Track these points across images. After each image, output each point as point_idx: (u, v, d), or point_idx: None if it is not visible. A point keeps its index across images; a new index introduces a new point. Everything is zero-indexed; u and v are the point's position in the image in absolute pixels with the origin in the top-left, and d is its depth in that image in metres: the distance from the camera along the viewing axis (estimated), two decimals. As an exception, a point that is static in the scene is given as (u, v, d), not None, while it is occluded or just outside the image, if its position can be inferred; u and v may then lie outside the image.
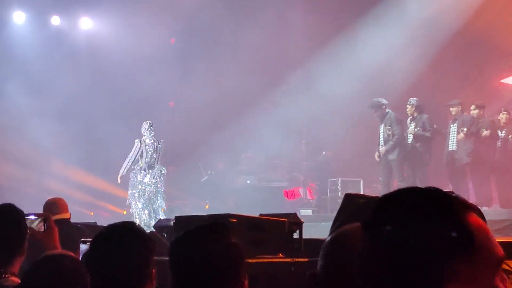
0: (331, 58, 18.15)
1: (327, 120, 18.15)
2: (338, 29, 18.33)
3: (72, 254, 3.54)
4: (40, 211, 7.66)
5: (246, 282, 2.78)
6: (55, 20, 20.26)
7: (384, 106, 14.95)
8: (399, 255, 1.54)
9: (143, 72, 19.92)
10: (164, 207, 15.15)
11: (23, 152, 18.36)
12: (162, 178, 15.08)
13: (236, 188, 18.52)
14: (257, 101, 19.83)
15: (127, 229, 3.11)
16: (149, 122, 15.18)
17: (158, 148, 15.06)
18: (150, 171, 14.87)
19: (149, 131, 15.08)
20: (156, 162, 14.99)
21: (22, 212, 3.90)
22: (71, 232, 7.14)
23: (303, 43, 19.47)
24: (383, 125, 14.93)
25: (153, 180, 14.87)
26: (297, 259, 5.43)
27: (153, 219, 14.06)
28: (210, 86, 19.62)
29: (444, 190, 1.62)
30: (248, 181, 18.31)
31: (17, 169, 18.31)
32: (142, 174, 14.85)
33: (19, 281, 3.75)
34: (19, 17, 19.77)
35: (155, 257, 3.05)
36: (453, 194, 1.61)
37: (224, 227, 2.82)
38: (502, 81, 17.59)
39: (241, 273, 2.75)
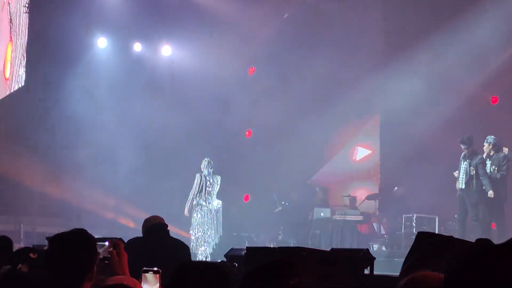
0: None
1: (405, 156, 17.95)
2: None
3: (135, 281, 3.58)
4: (114, 235, 7.83)
5: None
6: (137, 47, 20.73)
7: (473, 143, 14.73)
8: None
9: (221, 100, 20.12)
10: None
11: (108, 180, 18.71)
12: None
13: (309, 220, 18.42)
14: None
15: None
16: (208, 159, 15.87)
17: (215, 183, 15.71)
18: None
19: (208, 168, 15.78)
20: (211, 197, 15.55)
21: (93, 237, 3.98)
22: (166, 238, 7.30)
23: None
24: (466, 163, 14.64)
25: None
26: (367, 296, 5.39)
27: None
28: (287, 114, 19.70)
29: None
30: (322, 214, 18.19)
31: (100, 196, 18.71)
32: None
33: None
34: (102, 43, 20.24)
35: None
36: None
37: (291, 265, 2.77)
38: None
39: None
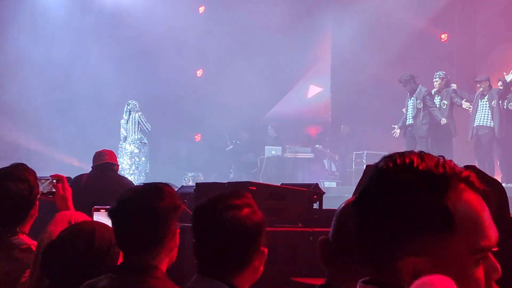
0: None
1: (353, 94, 18.04)
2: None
3: (84, 215, 3.54)
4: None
5: (266, 250, 2.79)
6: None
7: (414, 79, 14.85)
8: (374, 223, 1.51)
9: (170, 40, 19.86)
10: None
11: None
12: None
13: (260, 158, 18.49)
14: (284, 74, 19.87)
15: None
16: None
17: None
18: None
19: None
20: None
21: (34, 172, 3.90)
22: (113, 176, 7.32)
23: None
24: (413, 99, 14.81)
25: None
26: (316, 229, 5.40)
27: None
28: (242, 54, 19.56)
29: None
30: (273, 152, 18.25)
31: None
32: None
33: (29, 239, 3.76)
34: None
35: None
36: (447, 162, 1.52)
37: (245, 194, 2.82)
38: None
39: (261, 240, 2.77)
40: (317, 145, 18.93)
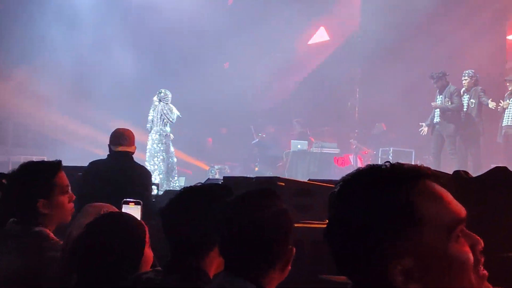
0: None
1: (381, 89, 17.95)
2: None
3: (114, 208, 3.49)
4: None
5: (294, 249, 2.77)
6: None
7: (445, 77, 14.77)
8: (353, 234, 1.62)
9: (198, 32, 19.88)
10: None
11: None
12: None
13: (286, 152, 18.46)
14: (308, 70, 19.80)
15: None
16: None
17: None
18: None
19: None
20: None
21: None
22: (129, 164, 7.24)
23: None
24: (442, 96, 14.73)
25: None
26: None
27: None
28: (266, 49, 19.54)
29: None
30: (299, 146, 18.20)
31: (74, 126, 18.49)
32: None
33: (51, 234, 3.71)
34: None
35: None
36: (401, 166, 1.67)
37: (274, 193, 2.79)
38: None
39: (289, 239, 2.74)
40: (351, 140, 18.85)
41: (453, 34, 17.18)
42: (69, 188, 3.84)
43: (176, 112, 15.09)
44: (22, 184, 3.68)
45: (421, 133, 15.26)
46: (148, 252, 3.09)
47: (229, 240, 2.71)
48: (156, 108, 15.05)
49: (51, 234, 3.68)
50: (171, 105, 15.12)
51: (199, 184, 3.16)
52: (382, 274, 1.58)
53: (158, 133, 14.95)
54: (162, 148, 14.96)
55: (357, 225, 1.61)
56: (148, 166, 14.46)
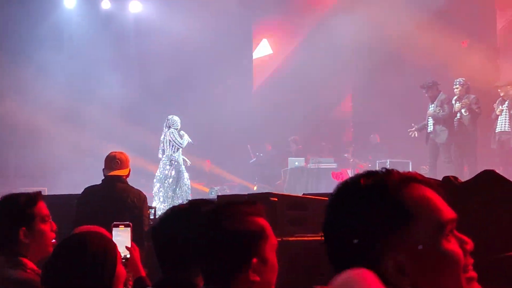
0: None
1: (374, 101, 18.04)
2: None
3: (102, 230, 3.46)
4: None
5: (255, 260, 2.63)
6: (105, 4, 20.44)
7: (437, 86, 14.82)
8: (342, 233, 1.74)
9: (192, 55, 19.95)
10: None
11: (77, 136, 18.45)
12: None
13: (284, 170, 18.50)
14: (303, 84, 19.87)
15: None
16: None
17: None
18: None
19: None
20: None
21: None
22: (123, 188, 7.24)
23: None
24: (433, 105, 14.78)
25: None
26: (338, 238, 5.38)
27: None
28: (264, 72, 19.63)
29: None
30: (296, 163, 18.25)
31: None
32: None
33: (29, 263, 3.75)
34: (69, 1, 19.95)
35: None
36: (391, 171, 1.77)
37: (243, 202, 2.73)
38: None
39: (255, 251, 2.63)
40: (345, 154, 18.90)
41: (446, 42, 17.26)
42: (50, 218, 3.95)
43: (187, 139, 15.03)
44: (3, 215, 3.81)
45: (410, 135, 15.27)
46: (121, 270, 3.06)
47: (197, 253, 2.69)
48: (165, 135, 15.01)
49: (30, 263, 3.74)
50: (183, 132, 15.11)
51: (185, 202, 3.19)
52: (377, 271, 1.64)
53: (168, 159, 14.90)
54: (172, 174, 14.87)
55: (354, 224, 1.71)
56: (156, 190, 14.50)
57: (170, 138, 14.81)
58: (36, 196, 3.92)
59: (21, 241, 3.77)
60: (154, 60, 19.83)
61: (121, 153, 7.46)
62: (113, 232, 3.91)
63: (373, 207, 1.69)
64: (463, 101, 14.64)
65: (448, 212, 1.72)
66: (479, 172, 4.18)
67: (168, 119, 15.07)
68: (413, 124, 15.35)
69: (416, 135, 15.26)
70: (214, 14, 20.07)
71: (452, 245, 1.69)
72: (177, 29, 19.67)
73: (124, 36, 20.40)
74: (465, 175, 14.00)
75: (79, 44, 19.41)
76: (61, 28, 19.65)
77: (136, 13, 20.78)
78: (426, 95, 14.98)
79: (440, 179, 4.17)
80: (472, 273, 1.72)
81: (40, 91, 18.45)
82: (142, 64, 19.67)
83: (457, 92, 14.76)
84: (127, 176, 7.36)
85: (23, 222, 3.79)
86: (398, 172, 1.77)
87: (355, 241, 1.70)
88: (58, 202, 6.77)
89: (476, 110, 14.52)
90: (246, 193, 16.93)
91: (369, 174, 1.77)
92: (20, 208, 3.82)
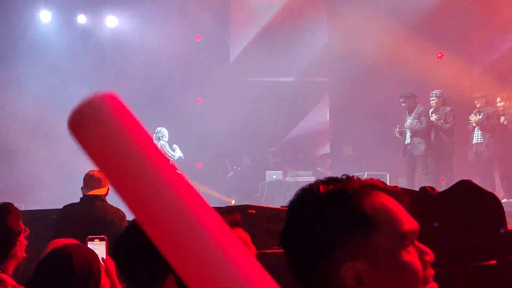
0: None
1: (352, 113, 18.09)
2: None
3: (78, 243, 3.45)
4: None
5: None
6: (81, 19, 20.37)
7: (414, 98, 14.91)
8: (301, 240, 1.74)
9: (168, 69, 19.92)
10: None
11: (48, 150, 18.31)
12: None
13: (262, 184, 18.48)
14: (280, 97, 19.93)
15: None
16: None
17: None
18: None
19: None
20: None
21: (16, 211, 3.90)
22: (101, 206, 7.20)
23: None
24: (411, 117, 14.86)
25: None
26: (316, 250, 5.37)
27: None
28: (236, 85, 19.64)
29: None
30: (274, 176, 18.25)
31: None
32: None
33: (9, 279, 3.71)
34: (45, 16, 19.89)
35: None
36: (352, 178, 1.73)
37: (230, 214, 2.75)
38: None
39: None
40: (319, 168, 18.94)
41: (423, 54, 17.37)
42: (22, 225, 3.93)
43: (179, 153, 15.00)
44: None
45: (395, 133, 15.28)
46: (105, 281, 3.05)
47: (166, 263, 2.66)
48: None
49: (9, 279, 3.71)
50: (175, 146, 15.08)
51: None
52: (335, 279, 1.64)
53: None
54: None
55: (310, 231, 1.69)
56: None
57: (161, 150, 14.71)
58: (7, 207, 3.93)
59: None
60: (130, 74, 19.75)
61: (98, 171, 7.40)
62: (88, 246, 3.90)
63: (331, 214, 1.67)
64: (439, 112, 14.75)
65: (409, 223, 1.69)
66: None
67: (156, 132, 15.08)
68: (398, 125, 15.32)
69: (398, 135, 15.24)
70: (191, 28, 20.09)
71: (411, 256, 1.66)
72: (154, 43, 19.68)
73: (100, 50, 20.32)
74: (442, 186, 14.07)
75: (55, 58, 19.29)
76: (37, 42, 19.55)
77: (112, 27, 20.71)
78: (403, 105, 15.06)
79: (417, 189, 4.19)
80: (433, 285, 1.70)
81: (15, 105, 18.34)
82: (118, 78, 19.53)
83: (433, 104, 14.88)
84: (106, 194, 7.32)
85: None
86: (359, 179, 1.74)
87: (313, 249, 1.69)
88: (36, 217, 6.75)
89: (451, 123, 14.62)
90: (223, 205, 16.98)
91: (329, 181, 1.74)
92: None
